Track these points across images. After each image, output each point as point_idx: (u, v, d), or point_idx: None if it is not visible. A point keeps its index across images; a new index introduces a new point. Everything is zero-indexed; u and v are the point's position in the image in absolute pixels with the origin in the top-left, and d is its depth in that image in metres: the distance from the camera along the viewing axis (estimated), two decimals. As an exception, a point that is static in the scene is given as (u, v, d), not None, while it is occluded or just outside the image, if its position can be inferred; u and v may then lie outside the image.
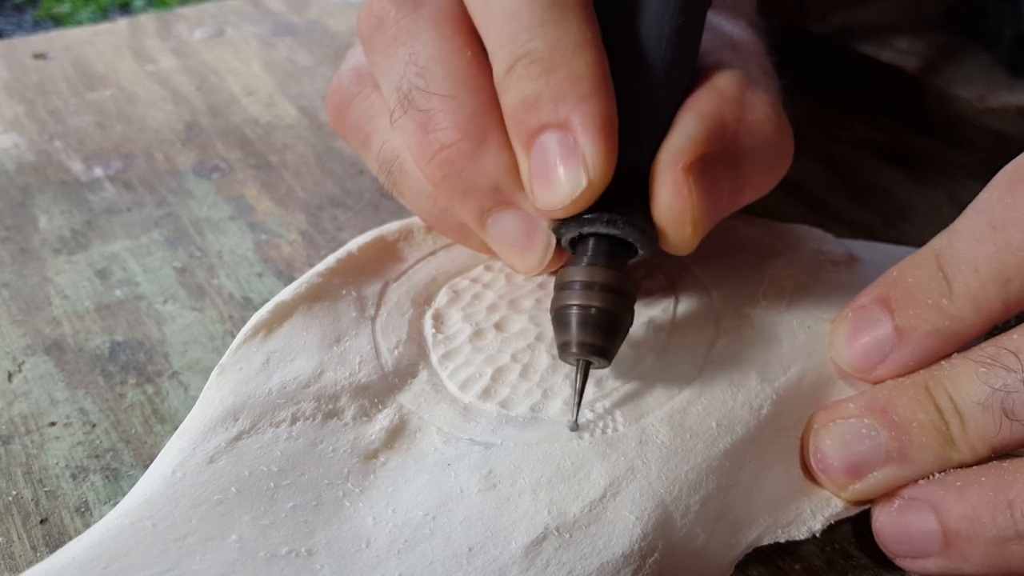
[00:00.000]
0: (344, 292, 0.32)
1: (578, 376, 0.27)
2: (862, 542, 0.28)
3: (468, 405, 0.29)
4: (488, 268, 0.34)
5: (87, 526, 0.28)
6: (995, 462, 0.26)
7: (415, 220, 0.35)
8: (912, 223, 0.43)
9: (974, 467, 0.26)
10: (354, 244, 0.34)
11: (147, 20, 0.65)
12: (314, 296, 0.32)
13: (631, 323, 0.28)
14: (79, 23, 2.23)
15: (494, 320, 0.32)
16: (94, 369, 0.34)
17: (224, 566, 0.23)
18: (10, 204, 0.44)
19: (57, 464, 0.31)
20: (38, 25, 2.37)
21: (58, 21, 2.41)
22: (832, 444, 0.27)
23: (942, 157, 0.49)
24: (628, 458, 0.27)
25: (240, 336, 0.30)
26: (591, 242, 0.28)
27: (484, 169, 0.28)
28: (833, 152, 0.49)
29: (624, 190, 0.27)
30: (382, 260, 0.34)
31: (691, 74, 0.30)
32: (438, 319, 0.32)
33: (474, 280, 0.34)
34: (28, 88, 0.55)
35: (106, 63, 0.58)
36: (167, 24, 0.64)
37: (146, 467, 0.27)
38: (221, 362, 0.29)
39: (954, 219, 0.27)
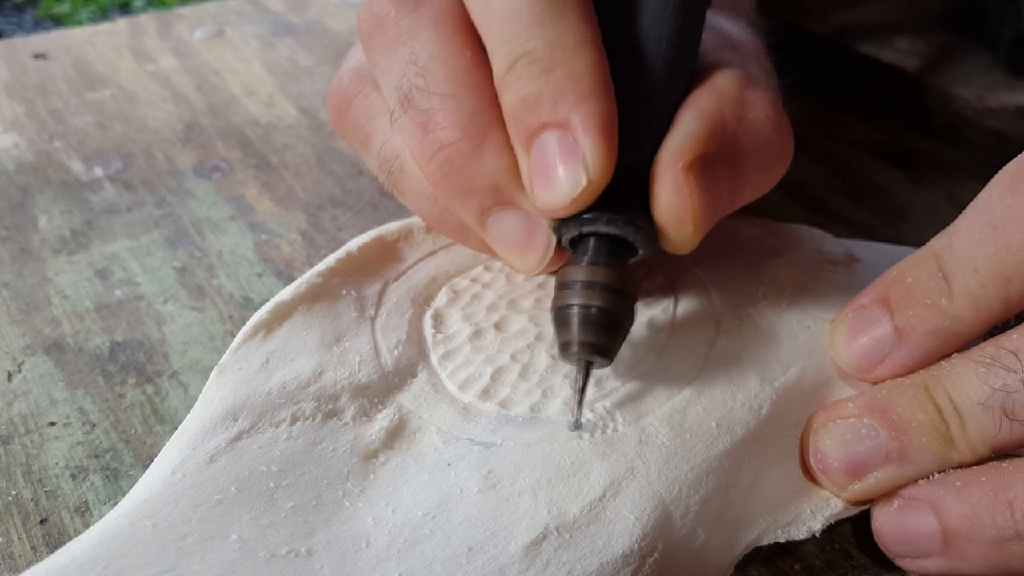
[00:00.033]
0: (344, 292, 0.32)
1: (579, 375, 0.27)
2: (862, 542, 0.28)
3: (468, 405, 0.29)
4: (488, 268, 0.34)
5: (87, 526, 0.28)
6: (995, 462, 0.26)
7: (415, 220, 0.35)
8: (912, 223, 0.43)
9: (974, 467, 0.26)
10: (354, 244, 0.34)
11: (147, 20, 0.65)
12: (314, 296, 0.32)
13: (632, 322, 0.28)
14: (79, 23, 2.24)
15: (494, 320, 0.32)
16: (94, 369, 0.34)
17: (224, 566, 0.23)
18: (10, 204, 0.44)
19: (57, 464, 0.31)
20: (38, 25, 2.38)
21: (58, 21, 2.41)
22: (832, 444, 0.27)
23: (942, 157, 0.49)
24: (628, 458, 0.27)
25: (240, 336, 0.30)
26: (591, 241, 0.28)
27: (484, 168, 0.28)
28: (833, 152, 0.49)
29: (624, 189, 0.27)
30: (382, 260, 0.34)
31: (691, 73, 0.30)
32: (438, 319, 0.32)
33: (474, 280, 0.34)
34: (28, 88, 0.55)
35: (106, 63, 0.58)
36: (167, 24, 0.64)
37: (146, 467, 0.27)
38: (221, 362, 0.29)
39: (954, 219, 0.27)
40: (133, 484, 0.26)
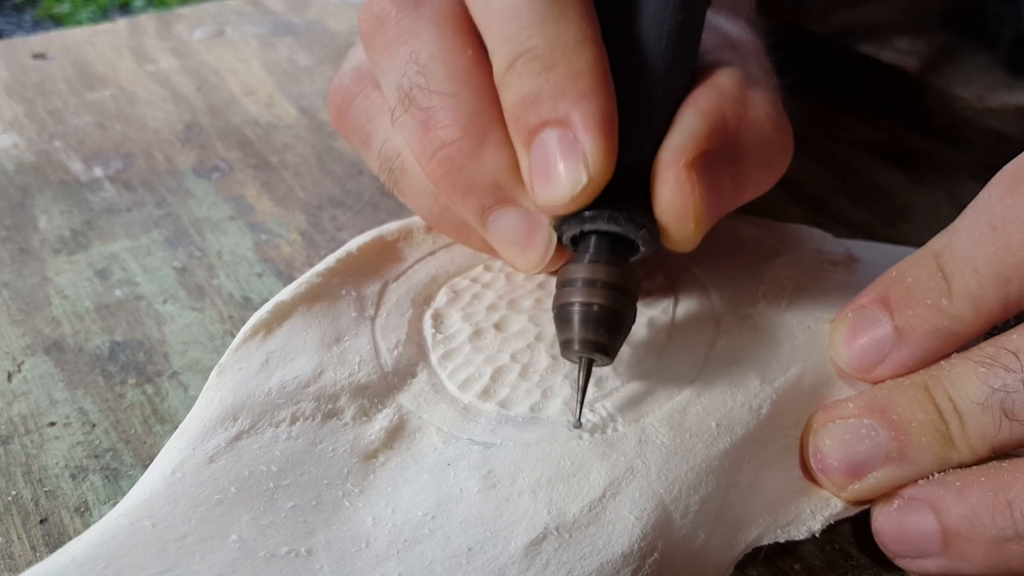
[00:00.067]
0: (344, 292, 0.32)
1: (581, 373, 0.27)
2: (862, 542, 0.28)
3: (467, 405, 0.29)
4: (488, 268, 0.34)
5: (87, 526, 0.28)
6: (995, 462, 0.26)
7: (415, 220, 0.35)
8: (911, 223, 0.43)
9: (973, 467, 0.26)
10: (353, 244, 0.34)
11: (147, 20, 0.65)
12: (314, 296, 0.32)
13: (633, 320, 0.28)
14: (79, 23, 2.24)
15: (494, 320, 0.32)
16: (94, 369, 0.34)
17: (224, 566, 0.23)
18: (10, 204, 0.44)
19: (57, 464, 0.31)
20: (38, 25, 2.38)
21: (58, 21, 2.41)
22: (831, 444, 0.27)
23: (942, 157, 0.49)
24: (628, 458, 0.27)
25: (240, 336, 0.30)
26: (593, 239, 0.28)
27: (485, 166, 0.28)
28: (833, 152, 0.49)
29: (625, 187, 0.27)
30: (382, 260, 0.34)
31: (691, 72, 0.30)
32: (437, 319, 0.32)
33: (474, 280, 0.34)
34: (28, 88, 0.55)
35: (106, 63, 0.58)
36: (167, 24, 0.64)
37: (146, 467, 0.27)
38: (221, 362, 0.29)
39: (953, 219, 0.27)
40: (133, 484, 0.26)
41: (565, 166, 0.26)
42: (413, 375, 0.30)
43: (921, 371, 0.27)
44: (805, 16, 0.58)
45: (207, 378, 0.29)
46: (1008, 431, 0.25)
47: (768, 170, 0.30)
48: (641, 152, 0.28)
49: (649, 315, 0.32)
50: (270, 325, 0.30)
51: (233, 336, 0.31)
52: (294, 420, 0.28)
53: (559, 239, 0.29)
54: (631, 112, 0.27)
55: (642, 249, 0.28)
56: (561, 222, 0.28)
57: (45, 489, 0.30)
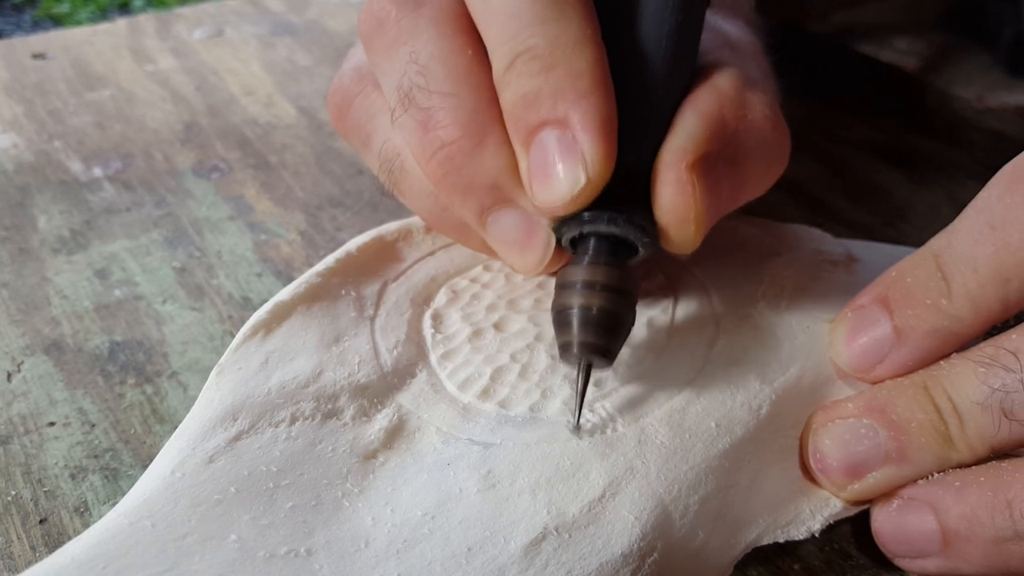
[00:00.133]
0: (343, 292, 0.32)
1: (580, 377, 0.27)
2: (861, 542, 0.28)
3: (467, 405, 0.29)
4: (487, 268, 0.34)
5: (86, 526, 0.28)
6: (994, 462, 0.26)
7: (414, 220, 0.35)
8: (911, 223, 0.43)
9: (973, 467, 0.26)
10: (353, 244, 0.34)
11: (146, 20, 0.65)
12: (313, 296, 0.32)
13: (633, 323, 0.28)
14: (78, 23, 2.23)
15: (493, 320, 0.32)
16: (93, 369, 0.34)
17: (223, 566, 0.23)
18: (9, 204, 0.44)
19: (56, 464, 0.31)
20: (37, 25, 2.37)
21: (57, 21, 2.41)
22: (831, 444, 0.27)
23: (941, 157, 0.49)
24: (627, 458, 0.27)
25: (239, 336, 0.30)
26: (592, 241, 0.28)
27: (484, 167, 0.28)
28: (833, 152, 0.49)
29: (624, 189, 0.27)
30: (381, 260, 0.34)
31: (691, 73, 0.30)
32: (437, 319, 0.32)
33: (473, 280, 0.34)
34: (27, 88, 0.55)
35: (105, 63, 0.58)
36: (166, 24, 0.64)
37: (145, 467, 0.27)
38: (220, 362, 0.29)
39: (953, 219, 0.27)
40: (132, 484, 0.26)
41: (564, 167, 0.26)
42: (412, 375, 0.30)
43: (920, 371, 0.27)
44: (805, 16, 0.58)
45: (206, 378, 0.29)
46: (1008, 431, 0.25)
47: (766, 172, 0.30)
48: (640, 153, 0.28)
49: (649, 315, 0.32)
50: (269, 325, 0.30)
51: (232, 336, 0.31)
52: (293, 420, 0.28)
53: (558, 241, 0.29)
54: (631, 113, 0.27)
55: (641, 251, 0.28)
56: (560, 224, 0.28)
57: (44, 489, 0.30)
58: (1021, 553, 0.24)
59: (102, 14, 2.40)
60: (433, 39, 0.29)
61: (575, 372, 0.27)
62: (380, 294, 0.33)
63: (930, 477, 0.26)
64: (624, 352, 0.29)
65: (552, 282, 0.29)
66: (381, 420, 0.28)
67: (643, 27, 0.28)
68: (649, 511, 0.25)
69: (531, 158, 0.27)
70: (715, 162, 0.28)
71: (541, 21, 0.27)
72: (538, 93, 0.26)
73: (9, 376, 0.34)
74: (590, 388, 0.28)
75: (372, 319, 0.31)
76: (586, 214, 0.27)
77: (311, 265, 0.34)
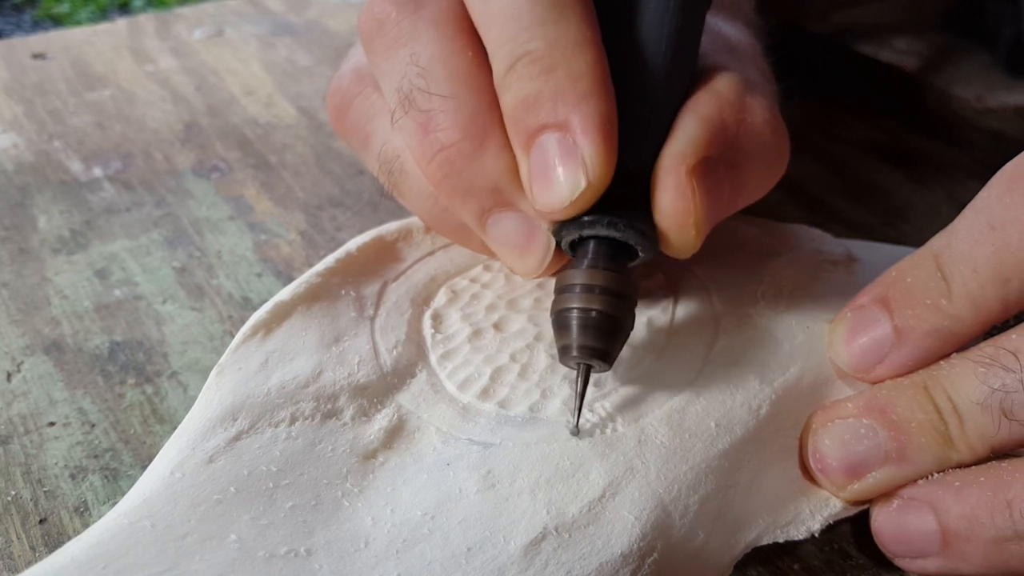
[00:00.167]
0: (343, 292, 0.32)
1: (579, 380, 0.27)
2: (861, 542, 0.28)
3: (467, 405, 0.29)
4: (487, 268, 0.34)
5: (86, 526, 0.28)
6: (994, 462, 0.26)
7: (414, 220, 0.35)
8: (911, 223, 0.43)
9: (973, 467, 0.26)
10: (353, 244, 0.34)
11: (146, 20, 0.65)
12: (313, 296, 0.32)
13: (632, 326, 0.28)
14: (78, 23, 2.23)
15: (493, 320, 0.32)
16: (93, 369, 0.34)
17: (223, 566, 0.23)
18: (9, 204, 0.44)
19: (56, 464, 0.31)
20: (37, 25, 2.37)
21: (57, 21, 2.41)
22: (831, 444, 0.27)
23: (941, 157, 0.49)
24: (627, 458, 0.27)
25: (239, 336, 0.30)
26: (591, 244, 0.28)
27: (484, 169, 0.28)
28: (833, 152, 0.49)
29: (624, 192, 0.27)
30: (381, 260, 0.34)
31: (691, 76, 0.30)
32: (437, 319, 0.32)
33: (473, 280, 0.34)
34: (27, 88, 0.55)
35: (105, 63, 0.58)
36: (166, 24, 0.64)
37: (145, 467, 0.27)
38: (220, 362, 0.29)
39: (953, 219, 0.27)
40: (132, 484, 0.26)
41: (564, 170, 0.26)
42: (412, 375, 0.30)
43: (920, 371, 0.27)
44: (805, 16, 0.58)
45: (206, 378, 0.29)
46: (1007, 431, 0.25)
47: (765, 175, 0.30)
48: (640, 157, 0.28)
49: (648, 315, 0.32)
50: (269, 325, 0.30)
51: (232, 336, 0.31)
52: (293, 420, 0.28)
53: (558, 244, 0.29)
54: (631, 116, 0.27)
55: (641, 255, 0.28)
56: (560, 227, 0.28)
57: (44, 489, 0.30)
58: (1021, 553, 0.24)
59: (102, 14, 2.40)
60: (433, 41, 0.29)
61: (575, 373, 0.27)
62: (380, 294, 0.33)
63: (930, 477, 0.26)
64: (624, 352, 0.29)
65: (552, 282, 0.29)
66: (381, 420, 0.28)
67: (643, 30, 0.28)
68: (649, 511, 0.25)
69: (531, 161, 0.27)
70: (715, 166, 0.28)
71: (541, 23, 0.27)
72: (538, 96, 0.26)
73: (9, 376, 0.34)
74: (590, 388, 0.28)
75: (372, 319, 0.31)
76: (586, 217, 0.27)
77: (311, 265, 0.34)
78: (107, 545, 0.23)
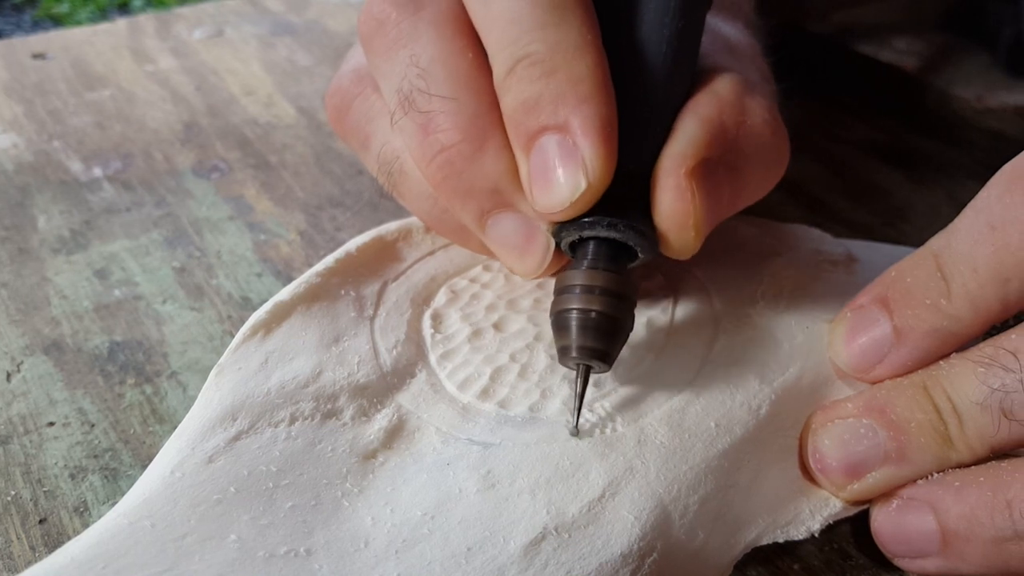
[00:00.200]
0: (343, 292, 0.32)
1: (578, 380, 0.27)
2: (861, 542, 0.28)
3: (467, 405, 0.29)
4: (487, 268, 0.34)
5: (86, 526, 0.28)
6: (994, 462, 0.26)
7: (414, 220, 0.35)
8: (911, 223, 0.43)
9: (972, 467, 0.26)
10: (353, 244, 0.34)
11: (146, 20, 0.65)
12: (313, 296, 0.32)
13: (632, 327, 0.28)
14: (78, 23, 2.23)
15: (492, 320, 0.32)
16: (93, 369, 0.34)
17: (223, 566, 0.23)
18: (9, 204, 0.44)
19: (56, 464, 0.31)
20: (37, 25, 2.37)
21: (57, 21, 2.41)
22: (830, 444, 0.27)
23: (941, 157, 0.49)
24: (627, 458, 0.27)
25: (239, 336, 0.30)
26: (591, 245, 0.28)
27: (484, 171, 0.28)
28: (833, 152, 0.49)
29: (624, 193, 0.27)
30: (381, 260, 0.34)
31: (691, 77, 0.30)
32: (436, 319, 0.32)
33: (473, 280, 0.34)
34: (27, 88, 0.55)
35: (105, 63, 0.58)
36: (166, 24, 0.64)
37: (145, 467, 0.27)
38: (220, 362, 0.29)
39: (953, 219, 0.27)
40: (132, 484, 0.26)
41: (564, 172, 0.26)
42: (412, 375, 0.30)
43: (920, 371, 0.27)
44: (805, 16, 0.58)
45: (206, 378, 0.29)
46: (1007, 431, 0.25)
47: (765, 176, 0.30)
48: (640, 158, 0.28)
49: (648, 315, 0.32)
50: (269, 325, 0.30)
51: (232, 336, 0.31)
52: (293, 420, 0.28)
53: (557, 245, 0.29)
54: (631, 118, 0.27)
55: (640, 256, 0.28)
56: (560, 228, 0.28)
57: (44, 489, 0.30)
58: (1020, 553, 0.24)
59: (102, 14, 2.40)
60: (433, 42, 0.29)
61: (574, 374, 0.27)
62: (380, 294, 0.33)
63: (929, 477, 0.26)
64: (623, 352, 0.29)
65: (552, 282, 0.29)
66: (381, 420, 0.28)
67: (643, 32, 0.28)
68: (649, 511, 0.25)
69: (531, 163, 0.27)
70: (715, 168, 0.28)
71: (542, 26, 0.27)
72: (539, 98, 0.26)
73: (9, 376, 0.34)
74: (589, 388, 0.28)
75: (372, 319, 0.31)
76: (586, 218, 0.27)
77: (311, 265, 0.34)
78: (107, 545, 0.23)
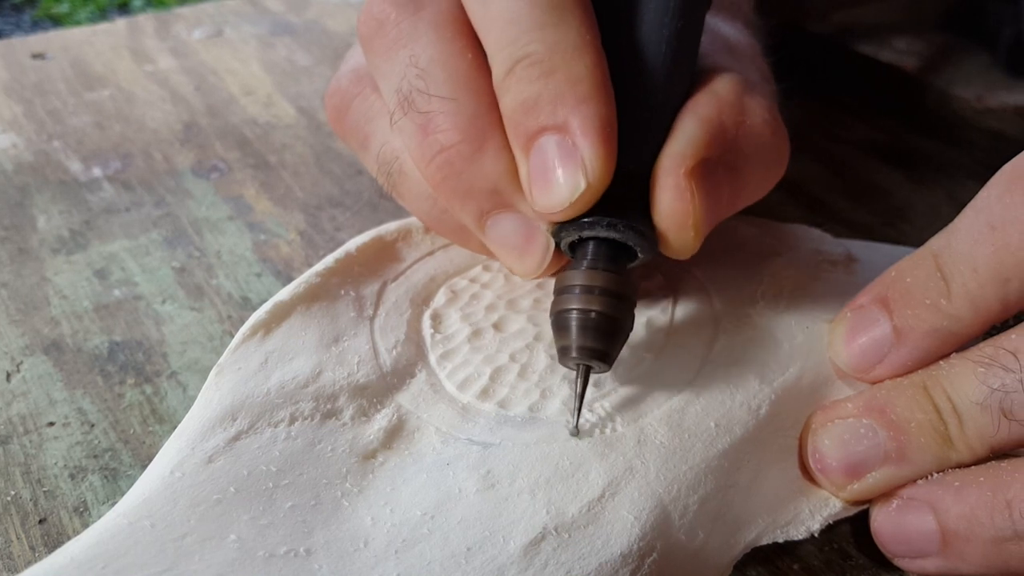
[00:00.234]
0: (342, 292, 0.32)
1: (578, 380, 0.27)
2: (860, 542, 0.28)
3: (466, 405, 0.29)
4: (486, 268, 0.34)
5: (85, 526, 0.28)
6: (993, 462, 0.26)
7: (413, 220, 0.35)
8: (911, 223, 0.43)
9: (972, 467, 0.26)
10: (352, 244, 0.34)
11: (145, 20, 0.65)
12: (312, 296, 0.32)
13: (632, 327, 0.28)
14: (77, 23, 2.23)
15: (492, 320, 0.32)
16: (93, 369, 0.34)
17: (222, 566, 0.23)
18: (8, 204, 0.44)
19: (56, 464, 0.31)
20: (36, 25, 2.37)
21: (56, 21, 2.41)
22: (830, 444, 0.27)
23: (941, 157, 0.49)
24: (627, 458, 0.27)
25: (238, 336, 0.30)
26: (591, 246, 0.28)
27: (483, 171, 0.28)
28: (833, 152, 0.49)
29: (624, 193, 0.27)
30: (380, 260, 0.34)
31: (690, 77, 0.30)
32: (436, 319, 0.32)
33: (472, 280, 0.34)
34: (27, 88, 0.55)
35: (105, 63, 0.58)
36: (166, 24, 0.64)
37: (144, 467, 0.27)
38: (219, 362, 0.29)
39: (953, 219, 0.27)
40: (132, 484, 0.26)
41: (563, 172, 0.26)
42: (412, 375, 0.30)
43: (920, 371, 0.27)
44: (805, 16, 0.58)
45: (206, 378, 0.29)
46: (1007, 431, 0.25)
47: (765, 176, 0.30)
48: (640, 158, 0.28)
49: (648, 315, 0.32)
50: (269, 325, 0.30)
51: (232, 336, 0.31)
52: (293, 420, 0.28)
53: (557, 245, 0.29)
54: (630, 118, 0.27)
55: (640, 256, 0.28)
56: (559, 228, 0.28)
57: (44, 489, 0.30)
58: (1020, 553, 0.24)
59: (101, 14, 2.40)
60: (433, 43, 0.29)
61: (574, 374, 0.27)
62: (379, 294, 0.33)
63: (929, 477, 0.26)
64: (623, 352, 0.29)
65: (552, 282, 0.29)
66: (380, 420, 0.28)
67: (643, 32, 0.28)
68: (648, 511, 0.25)
69: (531, 163, 0.27)
70: (714, 168, 0.28)
71: (540, 27, 0.27)
72: (538, 98, 0.26)
73: (8, 376, 0.34)
74: (589, 388, 0.28)
75: (371, 319, 0.31)
76: (585, 219, 0.27)
77: (310, 265, 0.34)
78: (106, 545, 0.23)
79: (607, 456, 0.27)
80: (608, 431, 0.27)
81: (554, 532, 0.25)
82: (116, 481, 0.30)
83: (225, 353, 0.30)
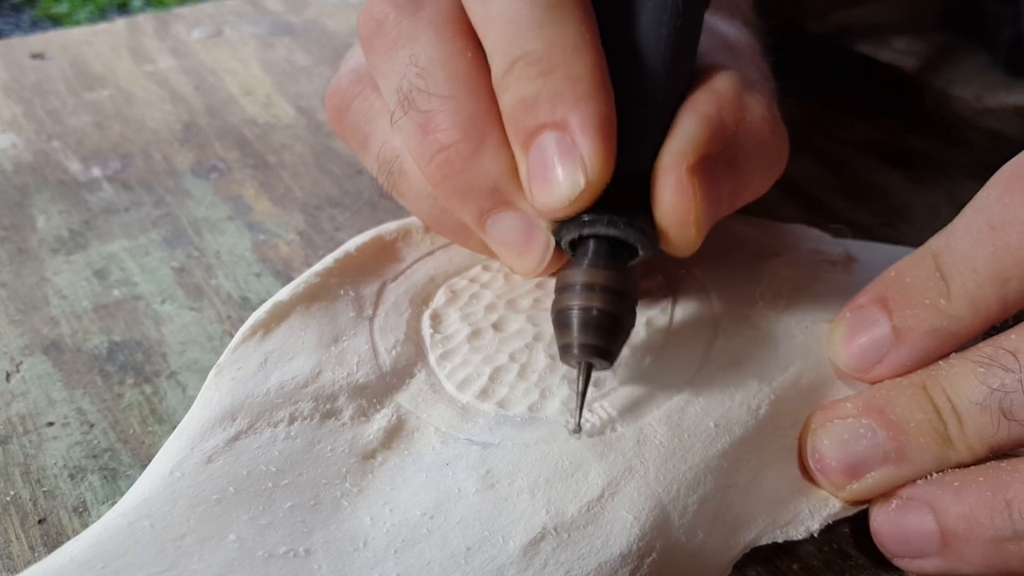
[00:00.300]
0: (342, 292, 0.32)
1: (580, 378, 0.27)
2: (860, 542, 0.28)
3: (466, 405, 0.29)
4: (486, 268, 0.34)
5: (85, 526, 0.28)
6: (993, 462, 0.26)
7: (413, 220, 0.35)
8: (910, 223, 0.43)
9: (972, 467, 0.26)
10: (352, 244, 0.34)
11: (145, 20, 0.65)
12: (312, 296, 0.32)
13: (633, 325, 0.28)
14: (77, 23, 2.23)
15: (492, 320, 0.32)
16: (92, 369, 0.34)
17: (222, 566, 0.23)
18: (8, 204, 0.44)
19: (55, 464, 0.31)
20: (36, 25, 2.37)
21: (56, 21, 2.41)
22: (830, 444, 0.27)
23: (940, 157, 0.49)
24: (626, 458, 0.27)
25: (238, 336, 0.30)
26: (591, 243, 0.28)
27: (483, 170, 0.28)
28: (832, 152, 0.49)
29: (623, 191, 0.27)
30: (380, 260, 0.34)
31: (690, 76, 0.30)
32: (436, 319, 0.32)
33: (472, 280, 0.34)
34: (26, 88, 0.55)
35: (104, 63, 0.58)
36: (165, 24, 0.64)
37: (144, 467, 0.27)
38: (219, 362, 0.29)
39: (952, 219, 0.27)
40: (131, 484, 0.26)
41: (563, 170, 0.26)
42: (411, 375, 0.30)
43: (919, 371, 0.27)
44: (804, 16, 0.58)
45: (205, 378, 0.29)
46: (1007, 431, 0.25)
47: (764, 174, 0.30)
48: (640, 156, 0.28)
49: (647, 315, 0.32)
50: (268, 325, 0.30)
51: (231, 336, 0.31)
52: (292, 420, 0.28)
53: (557, 243, 0.29)
54: (630, 116, 0.27)
55: (641, 253, 0.28)
56: (560, 226, 0.28)
57: (43, 489, 0.30)
58: (1020, 553, 0.24)
59: (101, 14, 2.40)
60: (432, 42, 0.29)
61: (574, 373, 0.27)
62: (379, 294, 0.33)
63: (929, 477, 0.26)
64: (623, 352, 0.29)
65: (551, 282, 0.29)
66: (380, 420, 0.28)
67: (642, 30, 0.28)
68: (648, 511, 0.25)
69: (530, 161, 0.27)
70: (714, 165, 0.28)
71: (539, 25, 0.27)
72: (537, 97, 0.26)
73: (8, 376, 0.34)
74: (589, 388, 0.28)
75: (371, 319, 0.31)
76: (585, 216, 0.27)
77: (310, 265, 0.34)
78: (106, 545, 0.23)
79: (606, 456, 0.27)
80: (608, 431, 0.27)
81: (553, 532, 0.25)
82: (115, 481, 0.30)
83: (224, 353, 0.30)
